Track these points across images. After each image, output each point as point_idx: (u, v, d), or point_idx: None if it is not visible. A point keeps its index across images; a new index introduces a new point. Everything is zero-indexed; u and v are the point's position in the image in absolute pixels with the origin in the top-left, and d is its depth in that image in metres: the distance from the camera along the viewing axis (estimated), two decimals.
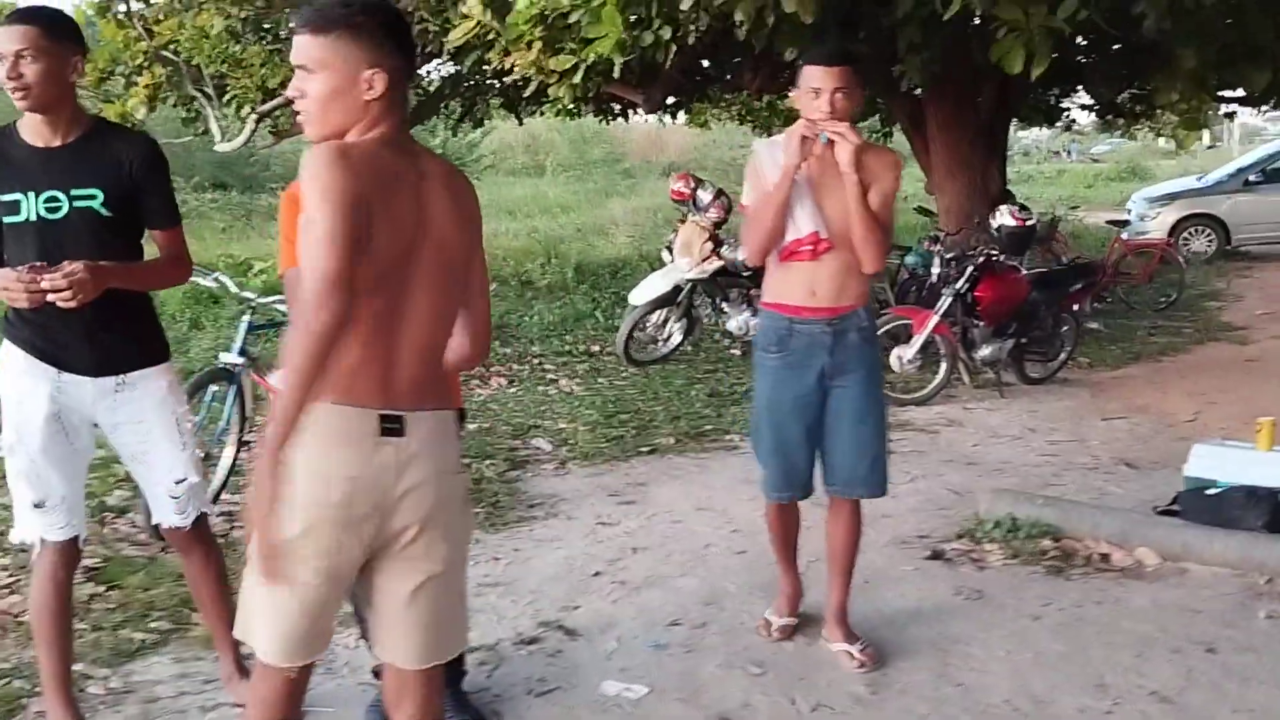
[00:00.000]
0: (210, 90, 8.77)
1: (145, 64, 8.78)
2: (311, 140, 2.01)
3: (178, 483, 2.87)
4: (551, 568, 4.19)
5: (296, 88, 2.00)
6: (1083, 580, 4.02)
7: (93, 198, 2.66)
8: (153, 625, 3.56)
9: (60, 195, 2.64)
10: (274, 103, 8.67)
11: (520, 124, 11.11)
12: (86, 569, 3.83)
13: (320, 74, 1.96)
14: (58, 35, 2.65)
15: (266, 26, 8.07)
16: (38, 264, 2.57)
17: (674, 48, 5.25)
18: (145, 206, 2.77)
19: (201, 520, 2.98)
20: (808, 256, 3.19)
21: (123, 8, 7.93)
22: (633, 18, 5.09)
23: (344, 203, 1.85)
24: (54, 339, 2.70)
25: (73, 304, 2.56)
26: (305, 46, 1.97)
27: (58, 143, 2.67)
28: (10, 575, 3.89)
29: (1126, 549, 4.16)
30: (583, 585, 4.01)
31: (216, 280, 4.72)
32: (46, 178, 2.64)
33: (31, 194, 2.62)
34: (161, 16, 8.70)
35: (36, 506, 2.76)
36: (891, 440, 5.97)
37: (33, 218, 2.63)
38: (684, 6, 4.85)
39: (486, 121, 11.90)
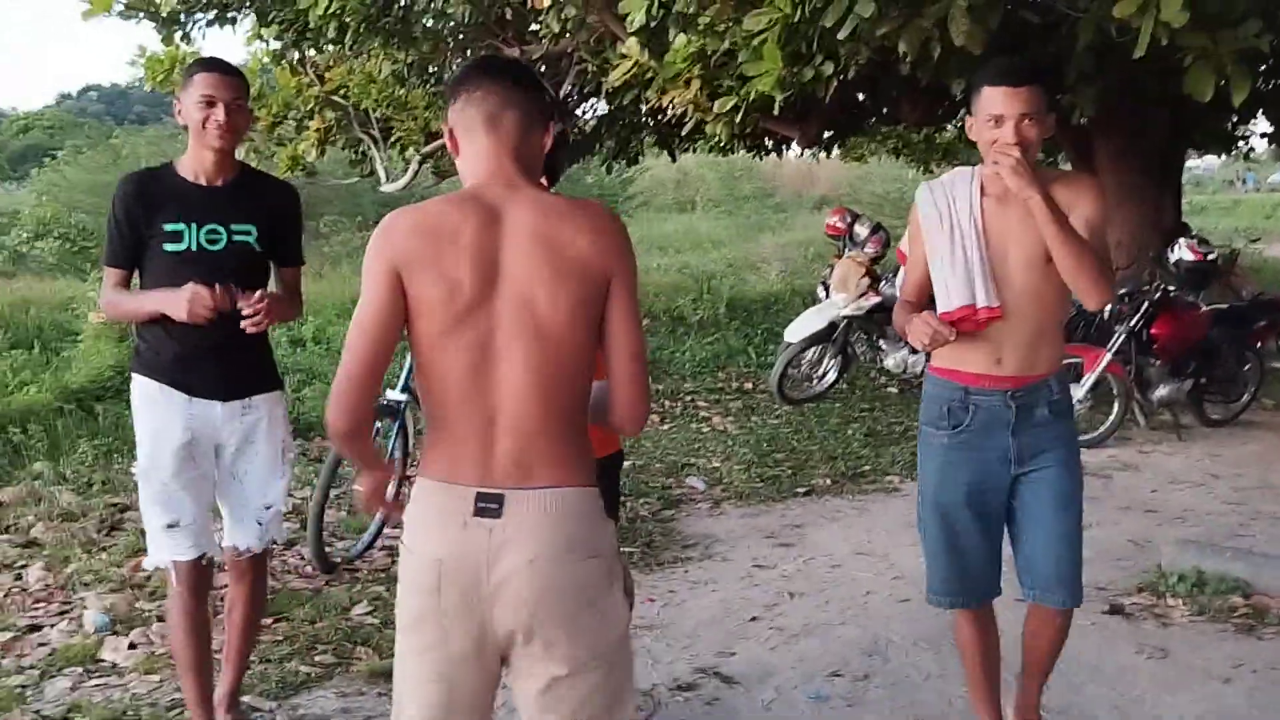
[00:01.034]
0: (376, 133, 9.10)
1: (316, 109, 9.18)
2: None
3: (267, 508, 3.03)
4: (707, 611, 4.11)
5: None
6: (1277, 640, 3.74)
7: (248, 233, 2.92)
8: (318, 659, 3.62)
9: (220, 229, 2.88)
10: (436, 144, 8.91)
11: (674, 160, 11.14)
12: None
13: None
14: (248, 91, 2.96)
15: (431, 71, 8.28)
16: (230, 286, 2.78)
17: (834, 82, 5.16)
18: (284, 246, 3.05)
19: (266, 550, 3.13)
20: (972, 327, 2.67)
21: (296, 55, 8.26)
22: (792, 53, 5.02)
23: (374, 284, 1.86)
24: (188, 367, 2.88)
25: (260, 328, 2.80)
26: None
27: (219, 182, 2.92)
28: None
29: None
30: (739, 630, 3.93)
31: None
32: (209, 212, 2.88)
33: (194, 225, 2.85)
34: (332, 63, 9.07)
35: (170, 527, 2.90)
36: None
37: (193, 247, 2.85)
38: (841, 36, 4.76)
39: (640, 159, 11.98)
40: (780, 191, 24.34)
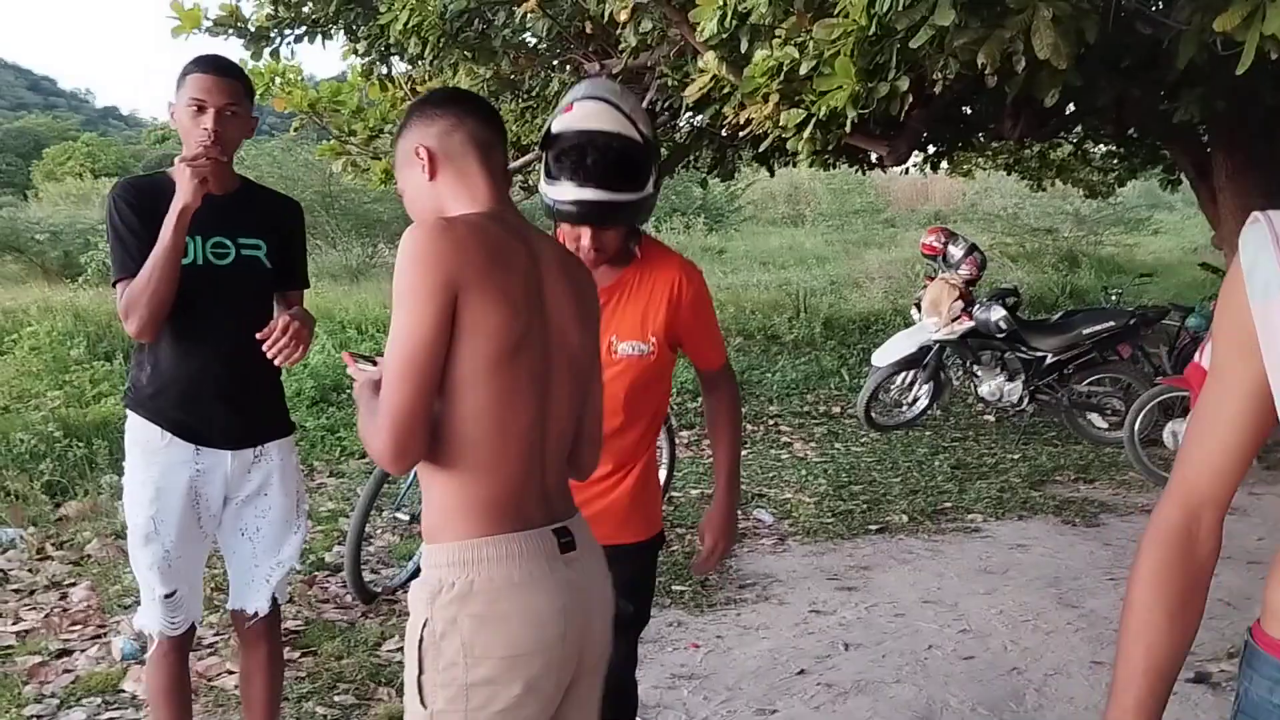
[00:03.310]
0: None
1: None
2: None
3: (278, 564, 2.75)
4: (754, 661, 3.87)
5: None
6: None
7: (258, 248, 2.66)
8: (338, 699, 3.50)
9: (228, 242, 2.61)
10: (526, 158, 8.83)
11: (771, 175, 10.89)
12: (288, 631, 3.84)
13: None
14: (251, 94, 2.68)
15: (517, 84, 8.19)
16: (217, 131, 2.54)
17: (911, 99, 4.87)
18: (292, 266, 2.78)
19: (277, 609, 2.84)
20: None
21: (384, 70, 8.26)
22: (868, 68, 4.76)
23: (430, 303, 1.62)
24: (196, 410, 2.60)
25: (292, 359, 2.56)
26: None
27: (218, 191, 2.60)
28: (215, 634, 3.95)
29: None
30: (785, 685, 3.68)
31: None
32: (213, 224, 2.58)
33: (199, 238, 2.56)
34: (426, 78, 9.08)
35: (168, 597, 2.64)
36: None
37: (200, 261, 2.57)
38: (914, 44, 4.48)
39: (737, 174, 11.75)
40: (892, 206, 23.80)
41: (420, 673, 1.69)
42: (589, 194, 2.15)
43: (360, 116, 9.52)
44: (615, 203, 2.17)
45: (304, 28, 7.65)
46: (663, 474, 5.00)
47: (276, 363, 2.56)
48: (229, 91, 2.58)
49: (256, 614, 2.77)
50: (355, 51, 8.37)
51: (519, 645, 1.69)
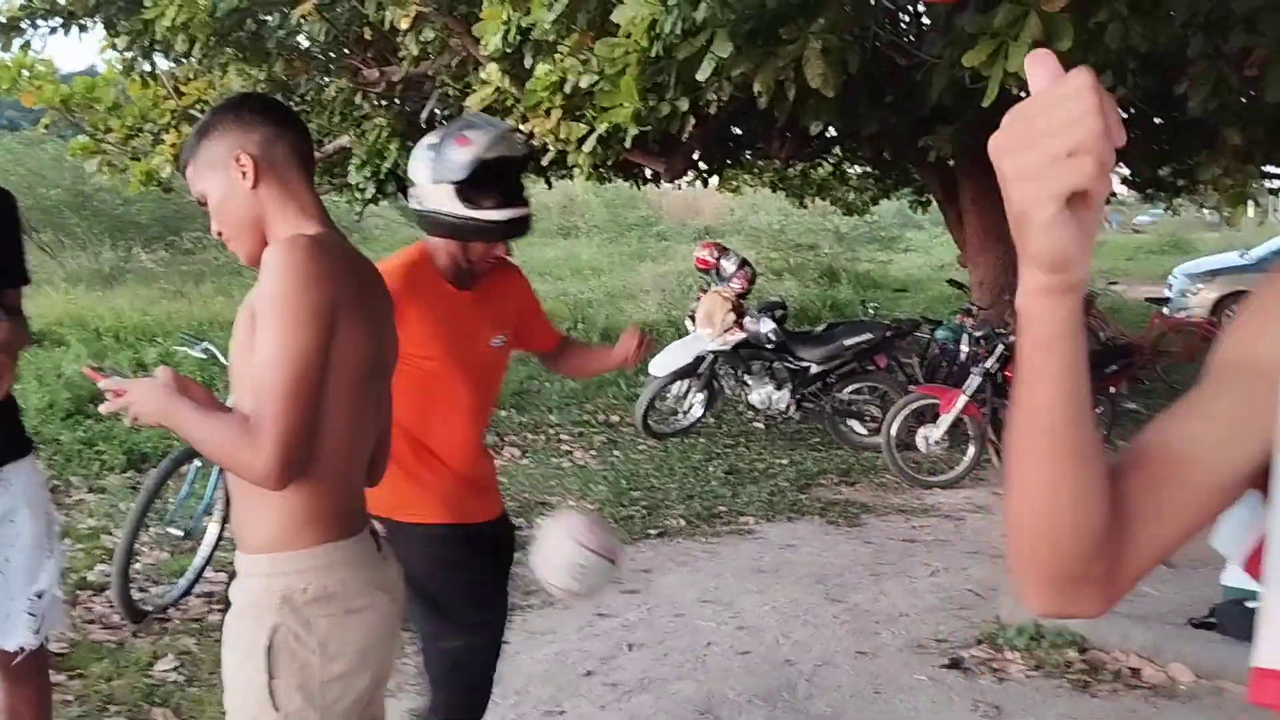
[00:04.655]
0: None
1: (173, 123, 8.78)
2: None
3: (39, 595, 2.53)
4: (541, 665, 3.94)
5: None
6: (1110, 698, 3.72)
7: None
8: None
9: None
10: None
11: (549, 187, 11.00)
12: (52, 654, 3.63)
13: None
14: None
15: (291, 87, 8.00)
16: None
17: (691, 119, 5.08)
18: (6, 261, 2.53)
19: (43, 647, 2.62)
20: None
21: (147, 67, 7.89)
22: (648, 87, 4.93)
23: (319, 321, 1.66)
24: None
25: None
26: None
27: None
28: None
29: (1158, 664, 3.86)
30: (571, 686, 3.77)
31: (206, 350, 4.56)
32: None
33: None
34: (191, 76, 8.71)
35: None
36: (914, 527, 5.77)
37: None
38: (700, 76, 4.68)
39: None
40: (664, 220, 24.36)
41: (271, 678, 1.71)
42: (518, 211, 2.43)
43: (117, 114, 9.07)
44: (531, 215, 2.49)
45: (59, 20, 7.24)
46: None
47: None
48: None
49: (22, 649, 2.53)
50: (114, 46, 7.98)
51: (370, 639, 1.80)
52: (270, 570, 1.76)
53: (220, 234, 1.86)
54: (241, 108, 1.88)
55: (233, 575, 1.83)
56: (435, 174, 2.38)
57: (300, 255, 1.67)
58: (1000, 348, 6.77)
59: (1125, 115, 7.89)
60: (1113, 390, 7.43)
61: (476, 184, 2.37)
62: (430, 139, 2.46)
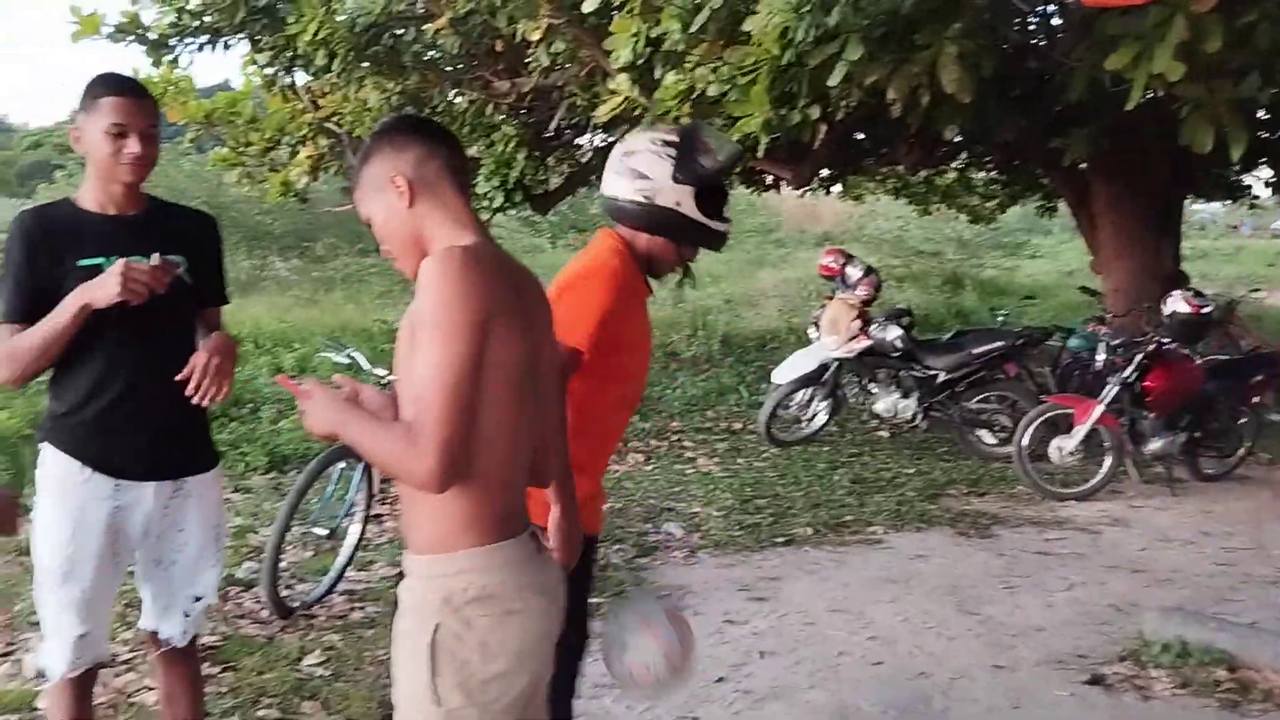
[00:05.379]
0: None
1: (309, 135, 9.09)
2: None
3: (196, 599, 2.67)
4: None
5: None
6: (1261, 718, 3.59)
7: (178, 265, 2.54)
8: (261, 714, 3.47)
9: (146, 261, 2.44)
10: None
11: None
12: (205, 647, 3.81)
13: None
14: (159, 114, 2.61)
15: (424, 100, 8.20)
16: (167, 260, 2.46)
17: (822, 127, 5.06)
18: (210, 282, 2.71)
19: (194, 643, 2.77)
20: None
21: (287, 81, 8.19)
22: (779, 95, 4.93)
23: (471, 334, 1.72)
24: (116, 442, 2.50)
25: (215, 398, 2.49)
26: None
27: (132, 212, 2.55)
28: (130, 650, 3.88)
29: None
30: (704, 692, 3.78)
31: (349, 356, 4.72)
32: (130, 243, 2.47)
33: (116, 258, 2.41)
34: (327, 90, 9.01)
35: (81, 638, 2.52)
36: (1048, 539, 5.64)
37: None
38: (832, 83, 4.67)
39: None
40: (783, 227, 24.25)
41: (434, 675, 1.78)
42: (729, 226, 2.55)
43: (256, 127, 9.42)
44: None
45: (205, 37, 7.56)
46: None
47: (201, 403, 2.48)
48: (149, 113, 2.51)
49: (170, 642, 2.69)
50: (255, 61, 8.30)
51: (527, 641, 1.83)
52: (432, 571, 1.82)
53: (388, 253, 1.93)
54: (394, 131, 1.94)
55: (394, 576, 1.91)
56: (679, 173, 2.42)
57: (452, 266, 1.73)
58: (1139, 357, 6.57)
59: (1269, 114, 7.59)
60: (1257, 400, 7.14)
61: (715, 191, 2.46)
62: (661, 135, 2.48)
